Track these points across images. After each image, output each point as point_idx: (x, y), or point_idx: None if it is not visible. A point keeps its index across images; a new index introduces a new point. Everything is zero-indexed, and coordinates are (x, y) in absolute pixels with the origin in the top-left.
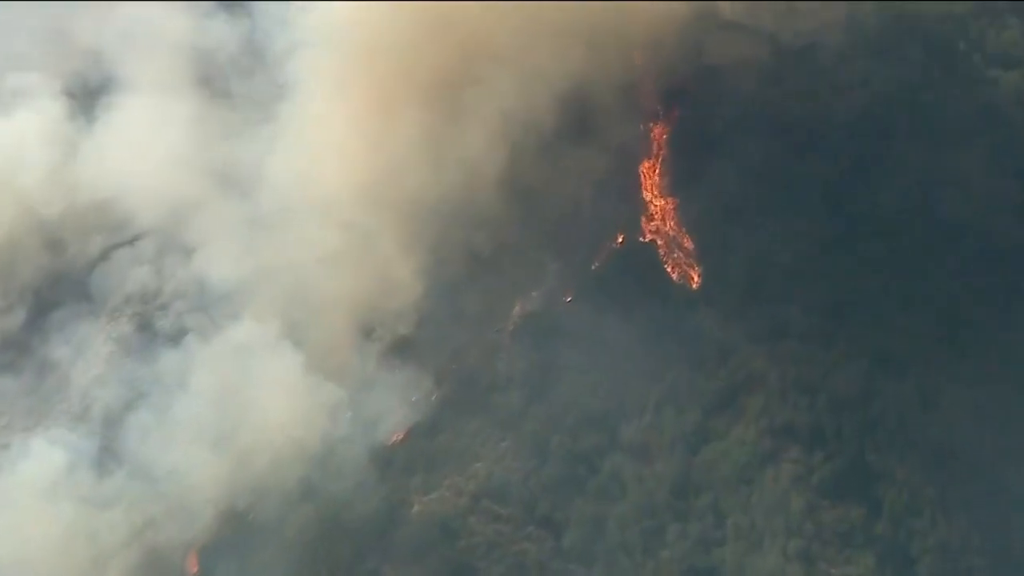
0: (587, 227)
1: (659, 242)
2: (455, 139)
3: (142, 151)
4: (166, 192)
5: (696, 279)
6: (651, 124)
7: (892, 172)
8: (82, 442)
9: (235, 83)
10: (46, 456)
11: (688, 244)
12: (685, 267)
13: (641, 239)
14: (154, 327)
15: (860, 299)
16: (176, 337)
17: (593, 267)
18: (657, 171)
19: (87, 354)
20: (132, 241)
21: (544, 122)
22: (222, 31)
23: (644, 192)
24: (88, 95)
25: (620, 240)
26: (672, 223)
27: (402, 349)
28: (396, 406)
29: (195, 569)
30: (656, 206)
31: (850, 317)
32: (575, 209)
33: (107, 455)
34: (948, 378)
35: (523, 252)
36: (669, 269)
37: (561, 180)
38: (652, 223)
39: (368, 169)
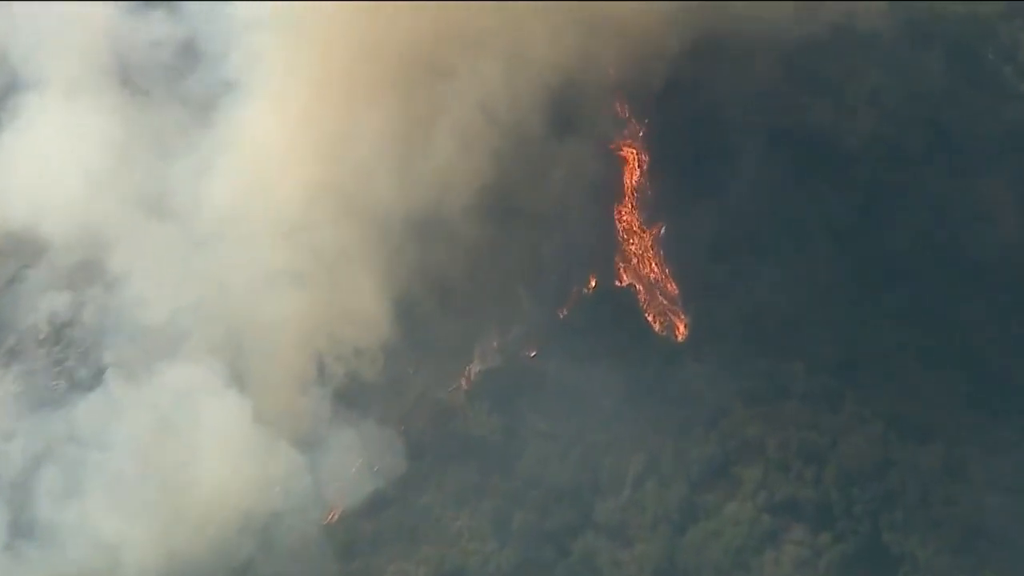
0: (554, 268)
1: (638, 287)
2: (424, 143)
3: (55, 163)
4: (84, 210)
5: (682, 329)
6: (626, 145)
7: (909, 204)
8: None
9: (167, 83)
10: None
11: (672, 289)
12: (669, 315)
13: (617, 283)
14: (70, 369)
15: (873, 353)
16: (95, 381)
17: (561, 316)
18: (634, 202)
19: None
20: (43, 268)
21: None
22: (150, 24)
23: (618, 226)
24: None
25: (591, 284)
26: (653, 264)
27: (353, 398)
28: (344, 471)
29: None
30: (633, 244)
31: (862, 374)
32: (541, 246)
33: (12, 527)
34: (976, 444)
35: (488, 293)
36: (650, 318)
37: (531, 204)
38: (629, 264)
39: (323, 181)
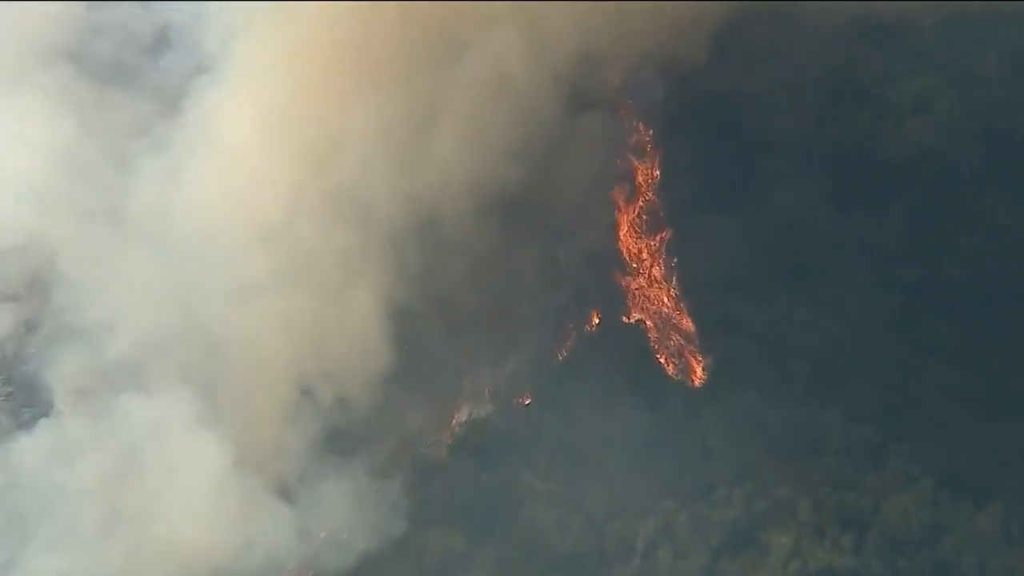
0: (550, 301)
1: (647, 322)
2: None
3: None
4: (29, 216)
5: (699, 372)
6: (635, 159)
7: (961, 230)
8: None
9: (129, 72)
10: None
11: (687, 325)
12: (684, 356)
13: (623, 319)
14: (13, 403)
15: (922, 400)
16: (41, 415)
17: (559, 357)
18: (643, 224)
19: None
20: None
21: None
22: (111, 7)
23: (624, 252)
24: None
25: (594, 320)
26: (665, 297)
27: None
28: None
29: None
30: (642, 273)
31: (909, 425)
32: (534, 275)
33: None
34: None
35: (475, 329)
36: (662, 359)
37: (524, 224)
38: (637, 296)
39: (308, 180)
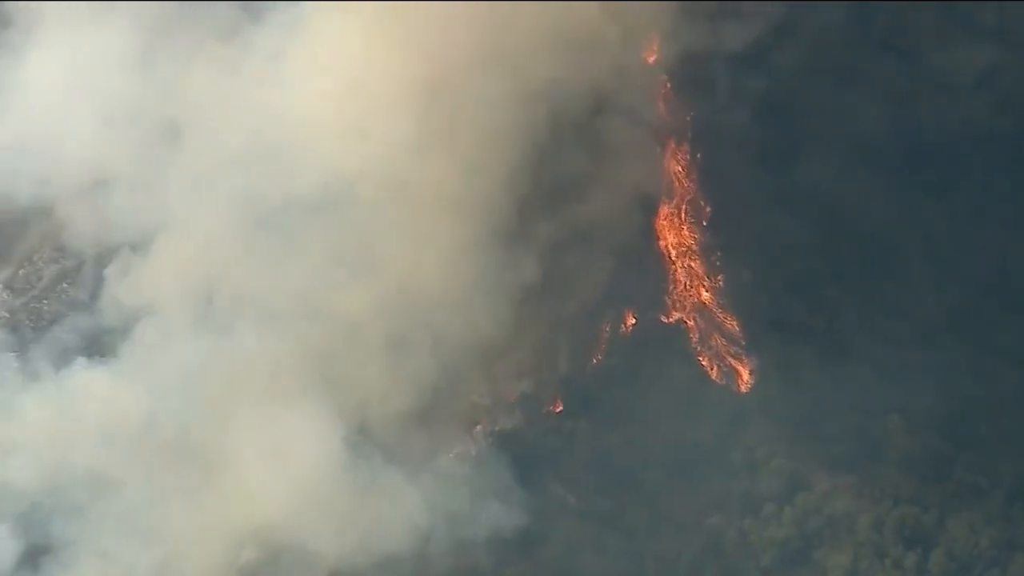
0: (585, 300)
1: (688, 322)
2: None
3: (60, 94)
4: (97, 153)
5: (745, 377)
6: (674, 148)
7: None
8: None
9: None
10: None
11: (732, 326)
12: (728, 359)
13: (663, 319)
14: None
15: (989, 406)
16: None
17: (593, 362)
18: (683, 215)
19: None
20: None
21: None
22: None
23: (663, 246)
24: None
25: (631, 321)
26: (708, 296)
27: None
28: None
29: None
30: (683, 269)
31: (975, 433)
32: (567, 272)
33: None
34: None
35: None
36: (704, 362)
37: (556, 217)
38: (677, 294)
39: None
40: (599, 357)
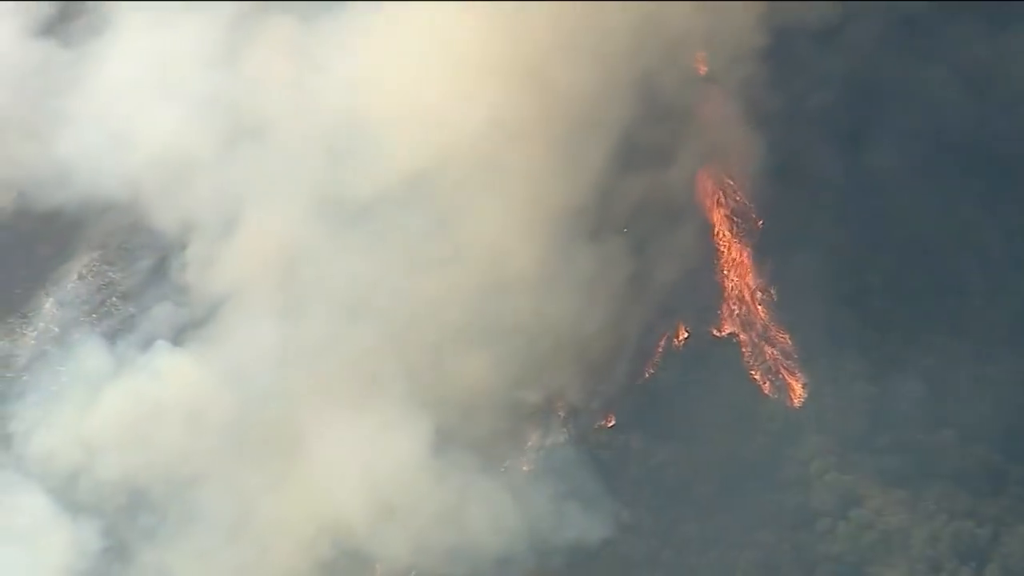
0: (636, 313)
1: (741, 336)
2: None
3: (145, 86)
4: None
5: (798, 391)
6: (726, 155)
7: None
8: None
9: None
10: None
11: (785, 340)
12: (781, 373)
13: (715, 332)
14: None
15: None
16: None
17: (645, 375)
18: (735, 227)
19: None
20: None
21: None
22: None
23: (716, 259)
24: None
25: (683, 335)
26: (760, 308)
27: None
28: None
29: None
30: (735, 282)
31: None
32: (619, 286)
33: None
34: None
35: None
36: (757, 376)
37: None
38: (730, 308)
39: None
40: (651, 371)
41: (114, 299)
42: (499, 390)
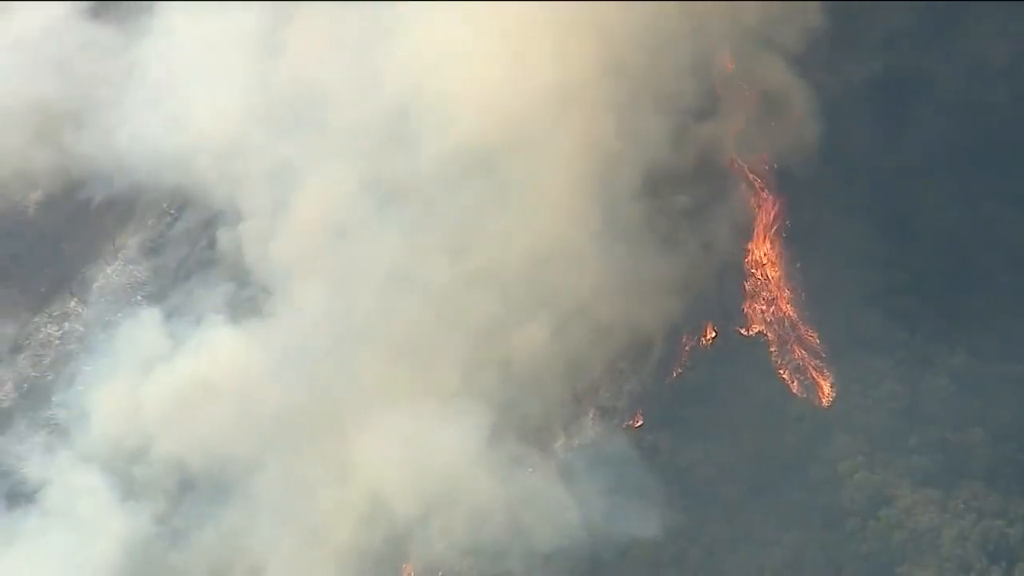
0: (662, 312)
1: (769, 335)
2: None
3: (198, 68)
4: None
5: (827, 391)
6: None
7: None
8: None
9: None
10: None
11: (813, 339)
12: (809, 373)
13: (742, 331)
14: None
15: None
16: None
17: (673, 375)
18: (765, 223)
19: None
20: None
21: None
22: None
23: (743, 256)
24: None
25: (710, 335)
26: (789, 308)
27: None
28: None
29: None
30: (762, 279)
31: None
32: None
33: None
34: None
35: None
36: (785, 376)
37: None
38: (757, 306)
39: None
40: (679, 370)
41: (167, 279)
42: (558, 361)
